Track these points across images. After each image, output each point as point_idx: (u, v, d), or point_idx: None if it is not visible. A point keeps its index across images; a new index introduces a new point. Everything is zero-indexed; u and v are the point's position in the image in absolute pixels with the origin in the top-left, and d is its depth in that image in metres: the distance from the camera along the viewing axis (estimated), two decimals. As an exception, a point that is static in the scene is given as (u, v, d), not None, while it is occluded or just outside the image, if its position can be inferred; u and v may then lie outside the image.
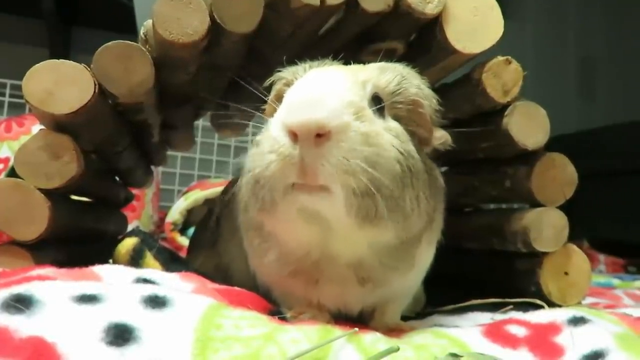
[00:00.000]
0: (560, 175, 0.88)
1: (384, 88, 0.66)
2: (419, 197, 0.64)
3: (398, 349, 0.54)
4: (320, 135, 0.56)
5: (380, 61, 0.71)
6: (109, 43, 0.75)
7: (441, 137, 0.70)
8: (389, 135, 0.61)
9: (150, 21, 0.76)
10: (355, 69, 0.68)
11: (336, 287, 0.67)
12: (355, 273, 0.66)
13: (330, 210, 0.59)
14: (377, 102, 0.64)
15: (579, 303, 0.89)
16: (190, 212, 2.29)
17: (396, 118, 0.66)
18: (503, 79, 0.84)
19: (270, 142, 0.59)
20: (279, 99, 0.66)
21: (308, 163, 0.56)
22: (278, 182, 0.58)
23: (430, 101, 0.69)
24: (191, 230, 2.15)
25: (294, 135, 0.56)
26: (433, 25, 0.83)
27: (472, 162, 1.03)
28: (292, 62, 0.72)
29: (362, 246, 0.64)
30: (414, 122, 0.67)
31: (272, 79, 0.73)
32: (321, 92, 0.58)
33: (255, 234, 0.71)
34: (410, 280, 0.74)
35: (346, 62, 0.71)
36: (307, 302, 0.69)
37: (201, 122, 2.61)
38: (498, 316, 0.79)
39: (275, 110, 0.63)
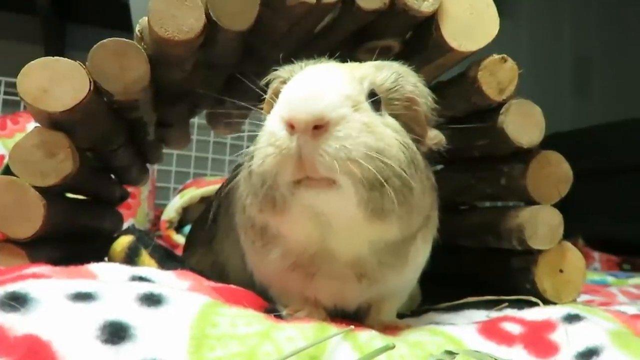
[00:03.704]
0: (555, 173, 0.88)
1: (380, 85, 0.66)
2: (422, 191, 0.64)
3: (394, 347, 0.54)
4: (318, 128, 0.55)
5: (376, 59, 0.71)
6: (105, 40, 0.75)
7: (435, 137, 0.70)
8: (387, 128, 0.62)
9: (145, 18, 0.76)
10: (352, 66, 0.68)
11: (333, 283, 0.67)
12: (353, 269, 0.66)
13: (340, 205, 0.58)
14: (374, 98, 0.64)
15: (574, 300, 0.89)
16: (186, 210, 2.29)
17: (392, 115, 0.66)
18: (499, 77, 0.84)
19: (267, 136, 0.59)
20: (276, 96, 0.66)
21: (306, 155, 0.56)
22: (280, 179, 0.58)
23: (426, 99, 0.69)
24: (187, 228, 2.15)
25: (291, 128, 0.56)
26: (429, 24, 0.83)
27: (467, 160, 1.03)
28: (288, 59, 0.72)
29: (363, 244, 0.64)
30: (409, 119, 0.68)
31: (268, 77, 0.73)
32: (319, 86, 0.58)
33: (255, 233, 0.70)
34: (405, 277, 0.74)
35: (342, 60, 0.71)
36: (303, 299, 0.69)
37: (197, 120, 2.59)
38: (493, 314, 0.80)
39: (273, 107, 0.63)
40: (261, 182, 0.60)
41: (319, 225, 0.61)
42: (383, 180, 0.57)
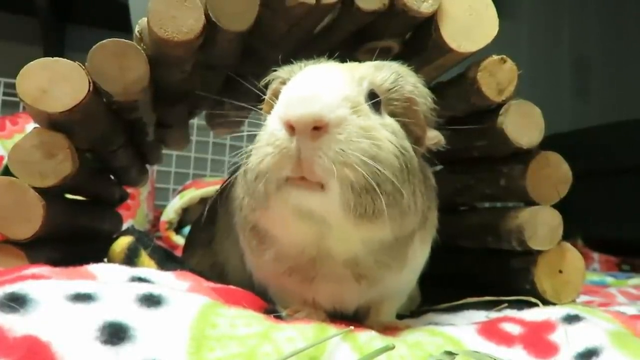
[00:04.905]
0: (554, 174, 0.88)
1: (379, 85, 0.66)
2: (415, 194, 0.64)
3: (393, 347, 0.54)
4: (318, 129, 0.56)
5: (375, 60, 0.71)
6: (104, 41, 0.75)
7: (434, 138, 0.71)
8: (385, 130, 0.62)
9: (145, 19, 0.76)
10: (351, 66, 0.69)
11: (332, 285, 0.67)
12: (351, 270, 0.66)
13: (325, 207, 0.59)
14: (373, 98, 0.64)
15: (573, 301, 0.89)
16: (185, 211, 2.29)
17: (392, 115, 0.66)
18: (498, 77, 0.84)
19: (267, 136, 0.59)
20: (276, 97, 0.66)
21: (305, 156, 0.56)
22: (272, 176, 0.58)
23: (425, 99, 0.69)
24: (186, 229, 2.15)
25: (291, 129, 0.56)
26: (428, 24, 0.83)
27: (467, 161, 1.03)
28: (287, 60, 0.72)
29: (357, 243, 0.64)
30: (409, 120, 0.68)
31: (268, 78, 0.73)
32: (318, 87, 0.58)
33: (252, 233, 0.70)
34: (404, 278, 0.74)
35: (342, 61, 0.72)
36: (302, 300, 0.69)
37: (196, 121, 2.60)
38: (493, 314, 0.80)
39: (273, 107, 0.63)
40: (255, 180, 0.60)
41: (310, 225, 0.61)
42: (375, 185, 0.57)
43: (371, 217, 0.59)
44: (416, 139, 0.69)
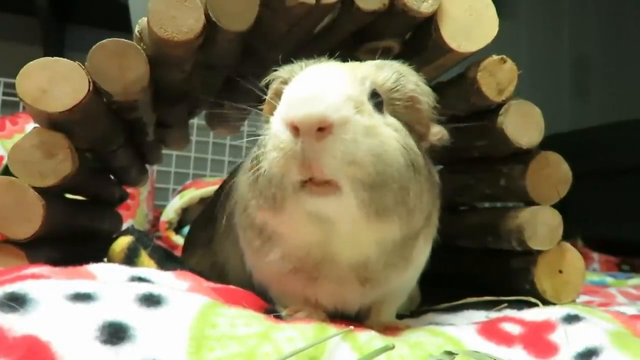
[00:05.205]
0: (554, 174, 0.89)
1: (382, 85, 0.66)
2: (422, 192, 0.64)
3: (393, 347, 0.54)
4: (322, 129, 0.55)
5: (376, 59, 0.71)
6: (104, 41, 0.75)
7: (438, 133, 0.71)
8: (389, 129, 0.62)
9: (145, 19, 0.76)
10: (353, 65, 0.68)
11: (335, 286, 0.67)
12: (356, 273, 0.66)
13: (341, 211, 0.59)
14: (376, 98, 0.64)
15: (573, 301, 0.89)
16: (185, 211, 2.29)
17: (394, 115, 0.66)
18: (498, 77, 0.84)
19: (272, 139, 0.59)
20: (277, 97, 0.66)
21: (310, 157, 0.56)
22: (285, 180, 0.58)
23: (427, 98, 0.69)
24: (186, 229, 2.15)
25: (295, 130, 0.56)
26: (428, 24, 0.83)
27: (467, 161, 1.03)
28: (287, 60, 0.72)
29: (370, 245, 0.64)
30: (411, 118, 0.68)
31: (269, 77, 0.72)
32: (321, 87, 0.58)
33: (255, 233, 0.70)
34: (407, 277, 0.74)
35: (343, 61, 0.71)
36: (304, 300, 0.69)
37: (196, 121, 2.60)
38: (493, 314, 0.80)
39: (274, 107, 0.63)
40: (268, 185, 0.60)
41: (321, 229, 0.61)
42: (383, 183, 0.57)
43: (382, 215, 0.59)
44: (420, 137, 0.69)
